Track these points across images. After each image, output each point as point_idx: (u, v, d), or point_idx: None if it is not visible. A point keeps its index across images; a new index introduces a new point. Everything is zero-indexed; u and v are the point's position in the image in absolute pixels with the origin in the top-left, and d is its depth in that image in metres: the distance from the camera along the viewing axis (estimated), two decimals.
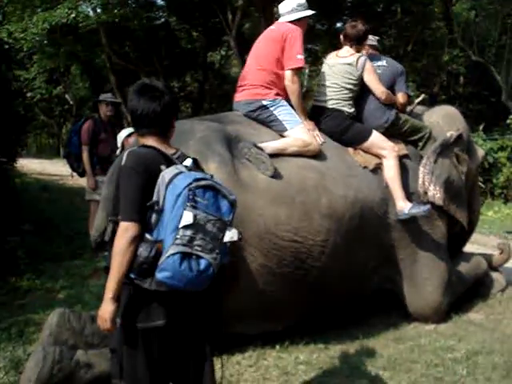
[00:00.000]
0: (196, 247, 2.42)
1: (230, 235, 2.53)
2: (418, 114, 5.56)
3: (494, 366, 4.06)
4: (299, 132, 4.60)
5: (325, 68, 5.13)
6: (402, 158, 4.97)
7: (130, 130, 6.30)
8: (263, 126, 4.69)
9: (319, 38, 20.89)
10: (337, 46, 5.38)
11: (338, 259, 4.42)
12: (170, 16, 21.89)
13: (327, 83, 5.02)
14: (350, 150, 4.89)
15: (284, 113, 4.65)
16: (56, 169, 20.13)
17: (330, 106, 4.94)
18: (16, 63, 18.35)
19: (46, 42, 17.09)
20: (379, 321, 5.00)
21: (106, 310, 2.51)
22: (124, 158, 2.65)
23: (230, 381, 3.90)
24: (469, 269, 5.47)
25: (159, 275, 2.42)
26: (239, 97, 4.87)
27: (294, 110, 4.71)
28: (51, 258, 7.08)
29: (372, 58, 5.31)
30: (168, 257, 2.39)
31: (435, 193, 4.88)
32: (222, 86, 24.81)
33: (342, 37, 5.23)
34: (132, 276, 2.51)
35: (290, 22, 4.91)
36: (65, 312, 3.83)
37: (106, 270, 2.61)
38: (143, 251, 2.46)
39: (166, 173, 2.51)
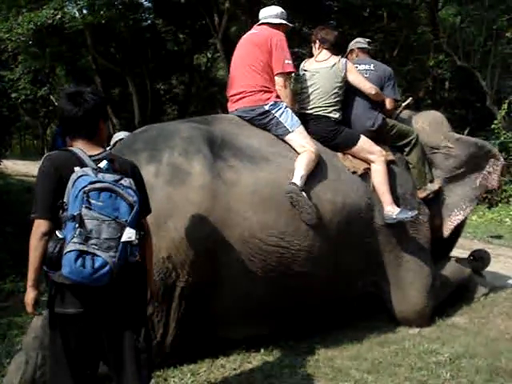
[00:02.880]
0: (92, 246, 2.58)
1: (128, 235, 2.66)
2: (404, 119, 5.57)
3: (477, 369, 4.07)
4: (299, 136, 4.63)
5: (306, 75, 5.10)
6: (389, 164, 4.97)
7: (124, 133, 6.22)
8: (256, 127, 4.70)
9: (306, 42, 20.93)
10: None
11: (324, 264, 4.42)
12: (157, 18, 21.84)
13: (310, 90, 5.00)
14: (339, 154, 4.88)
15: (285, 115, 4.67)
16: None
17: (316, 113, 4.93)
18: (0, 64, 18.25)
19: (31, 42, 16.98)
20: (363, 324, 5.00)
21: (28, 296, 2.83)
22: (41, 161, 2.87)
23: None
24: (452, 273, 5.47)
25: (62, 270, 2.60)
26: (237, 105, 4.83)
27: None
28: None
29: (359, 61, 5.32)
30: (66, 253, 2.57)
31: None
32: (208, 89, 24.75)
33: (317, 42, 5.19)
34: (45, 268, 2.73)
35: (271, 25, 4.93)
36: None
37: None
38: (49, 247, 2.67)
39: (74, 175, 2.69)
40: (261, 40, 4.80)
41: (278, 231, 4.19)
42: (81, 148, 2.86)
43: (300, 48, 20.85)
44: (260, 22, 5.03)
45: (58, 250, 2.63)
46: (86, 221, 2.58)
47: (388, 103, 5.23)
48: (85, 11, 17.00)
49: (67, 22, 15.41)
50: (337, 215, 4.46)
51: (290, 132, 4.63)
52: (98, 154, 2.87)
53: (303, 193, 4.23)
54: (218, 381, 3.95)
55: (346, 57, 5.46)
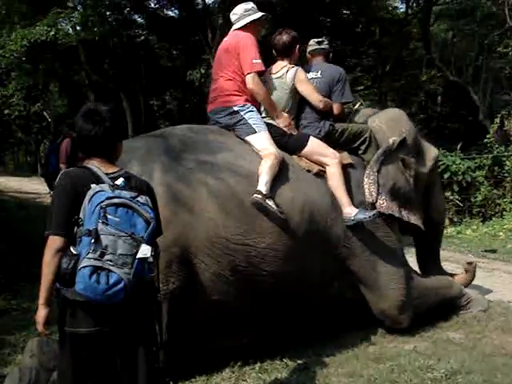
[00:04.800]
0: (107, 262, 2.57)
1: (144, 252, 2.64)
2: (362, 118, 5.54)
3: None
4: (263, 138, 4.67)
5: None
6: (346, 167, 4.96)
7: None
8: (215, 133, 4.76)
9: (299, 58, 21.03)
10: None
11: (292, 264, 4.43)
12: (150, 34, 21.94)
13: None
14: (295, 157, 4.89)
15: (253, 117, 4.75)
16: (34, 187, 19.96)
17: (268, 122, 4.93)
18: None
19: (24, 58, 17.00)
20: (359, 340, 4.97)
21: (39, 314, 2.76)
22: (58, 177, 2.87)
23: None
24: (439, 285, 5.46)
25: (76, 287, 2.58)
26: (211, 106, 4.97)
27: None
28: (28, 277, 6.97)
29: (309, 68, 5.29)
30: (80, 269, 2.56)
31: (382, 202, 4.89)
32: (201, 104, 24.83)
33: (273, 51, 5.23)
34: (57, 285, 2.70)
35: (241, 28, 4.96)
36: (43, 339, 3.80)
37: None
38: (63, 263, 2.63)
39: (90, 191, 2.69)
40: (229, 46, 4.89)
41: (242, 230, 4.23)
42: (97, 165, 2.87)
43: None
44: (232, 28, 5.09)
45: (71, 266, 2.60)
46: (101, 236, 2.57)
47: (335, 108, 5.12)
48: (78, 28, 17.03)
49: (61, 38, 15.39)
50: (298, 212, 4.47)
51: (255, 133, 4.68)
52: (114, 172, 2.88)
53: (268, 201, 4.28)
54: None
55: (307, 63, 5.48)
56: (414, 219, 5.20)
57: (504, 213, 12.44)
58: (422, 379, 4.16)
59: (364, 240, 4.85)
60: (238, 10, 5.02)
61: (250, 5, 5.05)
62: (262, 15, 5.04)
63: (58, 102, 29.14)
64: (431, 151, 5.86)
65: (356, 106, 5.78)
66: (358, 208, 4.74)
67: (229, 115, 4.78)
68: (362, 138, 5.14)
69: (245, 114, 4.74)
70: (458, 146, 13.38)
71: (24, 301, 6.08)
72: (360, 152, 5.16)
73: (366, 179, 4.91)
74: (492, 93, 16.57)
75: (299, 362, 4.50)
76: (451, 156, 12.75)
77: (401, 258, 5.12)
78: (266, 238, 4.31)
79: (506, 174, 12.76)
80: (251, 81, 4.75)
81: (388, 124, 5.41)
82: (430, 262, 5.92)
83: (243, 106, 4.76)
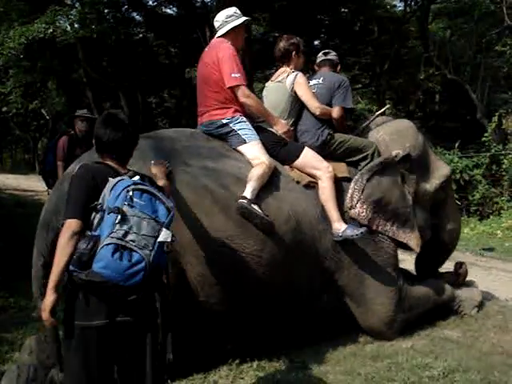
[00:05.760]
0: (130, 242, 2.61)
1: (165, 236, 2.71)
2: (369, 129, 5.43)
3: (470, 383, 4.06)
4: (254, 148, 4.63)
5: (263, 91, 5.25)
6: (342, 181, 4.88)
7: None
8: (207, 138, 4.75)
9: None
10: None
11: (277, 272, 4.40)
12: (148, 32, 21.91)
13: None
14: (286, 167, 4.84)
15: (243, 127, 4.69)
16: (31, 184, 19.91)
17: (261, 125, 4.91)
18: None
19: (22, 56, 16.96)
20: (356, 339, 4.98)
21: (47, 300, 2.73)
22: (76, 168, 3.00)
23: None
24: (431, 292, 5.36)
25: (95, 265, 2.60)
26: (201, 120, 4.90)
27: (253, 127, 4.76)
28: (25, 275, 6.94)
29: (312, 77, 5.32)
30: (102, 247, 2.59)
31: (361, 211, 4.74)
32: None
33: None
34: (71, 268, 2.68)
35: (224, 35, 4.87)
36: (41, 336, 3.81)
37: None
38: (82, 244, 2.66)
39: (112, 180, 2.78)
40: (209, 59, 4.79)
41: (228, 234, 4.22)
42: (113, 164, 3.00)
43: None
44: (215, 35, 4.99)
45: (90, 247, 2.64)
46: (127, 216, 2.64)
47: (335, 112, 5.04)
48: (76, 25, 17.02)
49: (59, 36, 15.38)
50: (284, 221, 4.44)
51: (245, 143, 4.64)
52: (127, 173, 2.96)
53: (254, 206, 4.27)
54: None
55: (314, 72, 5.46)
56: (405, 237, 5.00)
57: (501, 211, 12.47)
58: (420, 377, 4.17)
59: (353, 254, 4.80)
60: (220, 16, 4.91)
61: (232, 10, 4.93)
62: (244, 20, 4.93)
63: (56, 100, 29.03)
64: (442, 169, 5.62)
65: (380, 111, 5.73)
66: (347, 224, 4.67)
67: (219, 128, 4.72)
68: (363, 155, 5.04)
69: (234, 125, 4.67)
70: (456, 145, 13.41)
71: (21, 299, 6.07)
72: (359, 168, 5.03)
73: (352, 184, 4.79)
74: (490, 91, 16.59)
75: (297, 360, 4.51)
76: (449, 154, 12.78)
77: (391, 272, 5.00)
78: (251, 244, 4.28)
79: (503, 173, 12.80)
80: (241, 94, 4.68)
81: (392, 137, 5.27)
82: (428, 273, 5.80)
83: (231, 118, 4.69)
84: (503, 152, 12.87)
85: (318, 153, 4.89)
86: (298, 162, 4.83)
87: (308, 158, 4.82)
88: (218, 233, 4.19)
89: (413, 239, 5.04)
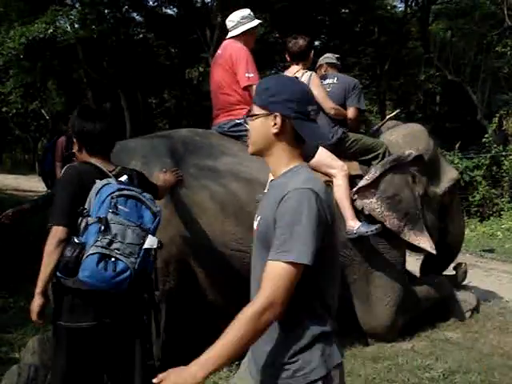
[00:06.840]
0: (115, 250, 2.60)
1: (150, 242, 2.71)
2: (381, 132, 5.51)
3: None
4: None
5: None
6: (355, 178, 4.91)
7: None
8: (220, 138, 4.76)
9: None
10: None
11: None
12: (148, 32, 21.93)
13: None
14: None
15: None
16: (31, 184, 19.87)
17: None
18: None
19: (22, 56, 16.98)
20: (356, 340, 4.96)
21: (34, 303, 2.76)
22: (62, 171, 2.97)
23: None
24: (431, 291, 5.37)
25: (80, 274, 2.59)
26: (216, 121, 4.93)
27: None
28: (24, 276, 6.93)
29: (325, 76, 5.31)
30: (87, 256, 2.58)
31: (376, 206, 4.78)
32: (199, 103, 24.81)
33: (287, 56, 5.21)
34: (58, 274, 2.69)
35: (237, 36, 4.89)
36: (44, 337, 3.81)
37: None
38: (67, 251, 2.64)
39: (97, 184, 2.75)
40: (223, 60, 4.82)
41: (238, 236, 4.22)
42: (99, 164, 2.94)
43: None
44: (227, 37, 5.01)
45: (76, 254, 2.62)
46: (111, 225, 2.62)
47: (350, 112, 5.12)
48: (77, 25, 17.02)
49: (59, 36, 15.43)
50: None
51: None
52: (114, 170, 2.96)
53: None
54: None
55: (315, 71, 5.45)
56: (416, 239, 4.96)
57: (502, 212, 12.46)
58: (420, 379, 4.17)
59: (364, 252, 4.81)
60: (234, 17, 4.93)
61: (247, 12, 4.97)
62: (258, 23, 4.99)
63: (56, 100, 29.03)
64: (451, 173, 5.65)
65: (392, 114, 5.76)
66: (361, 222, 4.70)
67: (233, 127, 4.74)
68: (375, 153, 5.09)
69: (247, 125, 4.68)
70: (457, 146, 13.39)
71: (21, 299, 6.04)
72: (371, 166, 5.08)
73: (366, 176, 4.85)
74: (490, 92, 16.55)
75: None
76: (449, 155, 12.74)
77: (400, 274, 5.03)
78: None
79: (504, 174, 12.79)
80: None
81: (405, 139, 5.32)
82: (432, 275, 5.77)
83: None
84: (504, 153, 12.86)
85: (332, 151, 4.88)
86: (314, 161, 4.82)
87: (323, 156, 4.80)
88: (229, 235, 4.20)
89: (426, 241, 5.01)
